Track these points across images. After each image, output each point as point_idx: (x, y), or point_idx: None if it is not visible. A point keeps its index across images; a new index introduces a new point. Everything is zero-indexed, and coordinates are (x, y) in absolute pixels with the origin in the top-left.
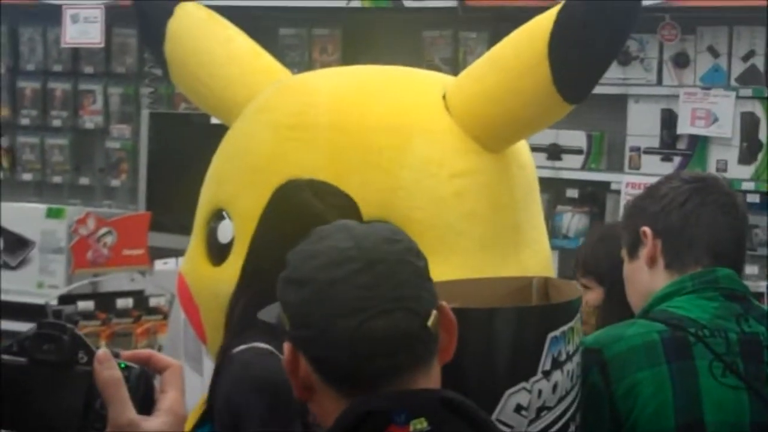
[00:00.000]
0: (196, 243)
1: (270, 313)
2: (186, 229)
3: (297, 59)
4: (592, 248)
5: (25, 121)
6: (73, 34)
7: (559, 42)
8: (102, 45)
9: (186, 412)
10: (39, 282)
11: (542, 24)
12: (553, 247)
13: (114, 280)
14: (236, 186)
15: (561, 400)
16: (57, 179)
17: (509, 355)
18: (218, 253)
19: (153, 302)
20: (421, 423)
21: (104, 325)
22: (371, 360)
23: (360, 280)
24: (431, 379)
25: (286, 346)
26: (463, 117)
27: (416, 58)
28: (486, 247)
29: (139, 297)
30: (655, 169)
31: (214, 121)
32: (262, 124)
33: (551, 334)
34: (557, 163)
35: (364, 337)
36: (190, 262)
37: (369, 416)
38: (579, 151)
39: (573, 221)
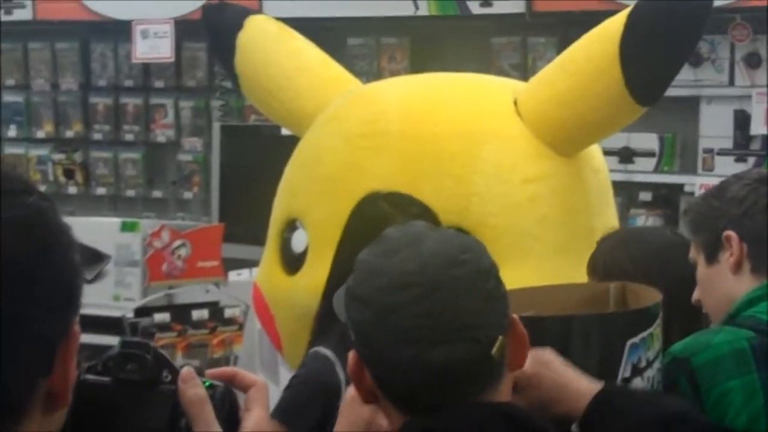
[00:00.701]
0: (270, 253)
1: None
2: (259, 240)
3: (365, 68)
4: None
5: (97, 136)
6: (144, 50)
7: (630, 44)
8: (172, 59)
9: (271, 430)
10: (115, 295)
11: (613, 27)
12: None
13: (189, 292)
14: (309, 196)
15: None
16: (130, 193)
17: (587, 364)
18: (293, 262)
19: (228, 313)
20: None
21: (180, 337)
22: (428, 390)
23: (421, 307)
24: (499, 396)
25: (352, 355)
26: (535, 122)
27: (485, 64)
28: (560, 252)
29: (214, 308)
30: (729, 170)
31: (284, 132)
32: (333, 134)
33: (630, 341)
34: (629, 167)
35: (422, 367)
36: (264, 272)
37: None
38: (651, 154)
39: (647, 224)
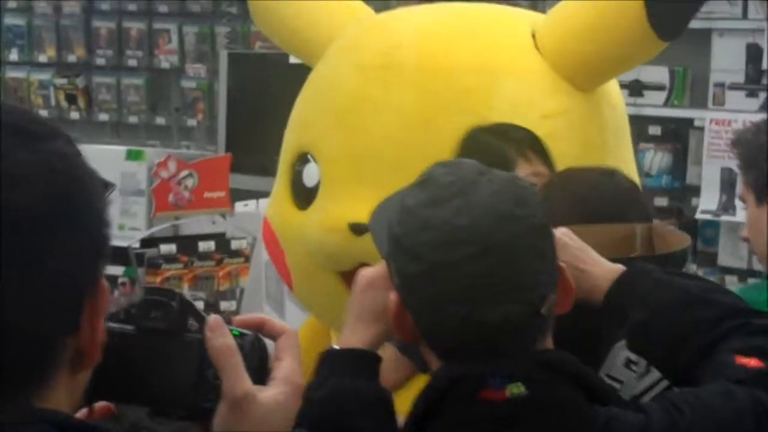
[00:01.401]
0: (280, 187)
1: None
2: (265, 170)
3: None
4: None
5: (100, 61)
6: None
7: None
8: None
9: (303, 381)
10: (120, 224)
11: None
12: None
13: (195, 223)
14: (321, 128)
15: None
16: (133, 119)
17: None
18: (304, 196)
19: (234, 245)
20: (518, 387)
21: (186, 269)
22: (476, 347)
23: (473, 267)
24: (543, 345)
25: (393, 298)
26: (554, 56)
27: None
28: None
29: (221, 240)
30: (740, 105)
31: (293, 60)
32: (346, 65)
33: None
34: (639, 100)
35: (473, 325)
36: (275, 206)
37: (462, 379)
38: (661, 88)
39: (655, 159)
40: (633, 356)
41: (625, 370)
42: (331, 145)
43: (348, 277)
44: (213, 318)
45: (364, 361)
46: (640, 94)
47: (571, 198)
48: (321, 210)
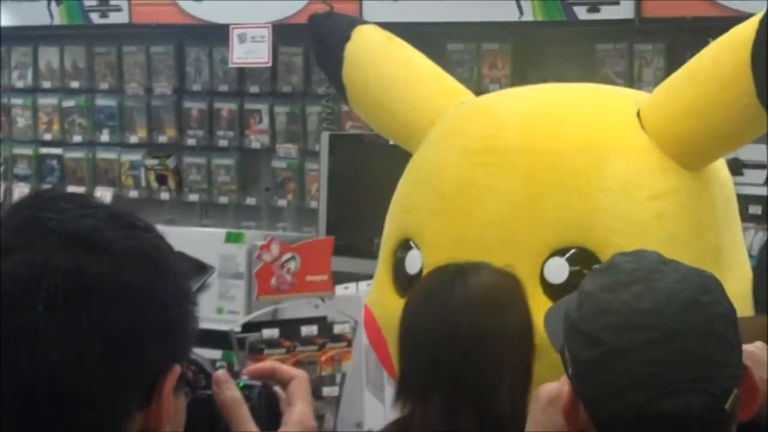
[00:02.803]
0: (382, 273)
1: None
2: (364, 253)
3: (465, 75)
4: None
5: (191, 142)
6: (240, 54)
7: (762, 51)
8: (269, 64)
9: (315, 424)
10: (219, 308)
11: (744, 32)
12: None
13: (295, 307)
14: (424, 214)
15: None
16: (223, 199)
17: None
18: (406, 283)
19: (337, 329)
20: None
21: (289, 353)
22: None
23: (655, 353)
24: None
25: (567, 390)
26: (661, 134)
27: (589, 71)
28: None
29: (323, 324)
30: None
31: (392, 141)
32: (449, 149)
33: None
34: (738, 179)
35: (651, 416)
36: (377, 293)
37: None
38: (762, 166)
39: (756, 239)
40: None
41: None
42: (434, 230)
43: None
44: (219, 373)
45: None
46: (740, 173)
47: None
48: None
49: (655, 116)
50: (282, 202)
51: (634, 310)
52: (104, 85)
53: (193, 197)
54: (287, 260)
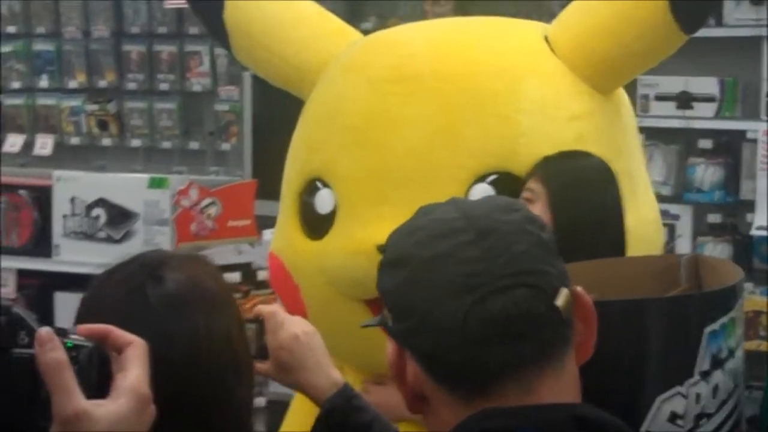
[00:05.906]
0: (287, 218)
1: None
2: None
3: (408, 11)
4: None
5: (132, 86)
6: None
7: None
8: None
9: (149, 392)
10: None
11: None
12: (686, 202)
13: (220, 253)
14: (333, 150)
15: (723, 404)
16: (166, 144)
17: (660, 356)
18: (318, 225)
19: (261, 275)
20: None
21: None
22: (487, 347)
23: (469, 253)
24: (565, 380)
25: (391, 347)
26: (573, 55)
27: (535, 7)
28: None
29: (247, 270)
30: None
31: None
32: (352, 84)
33: (708, 328)
34: (688, 113)
35: (478, 319)
36: (282, 239)
37: None
38: (711, 99)
39: (707, 173)
40: (679, 409)
41: (670, 425)
42: (347, 165)
43: (375, 304)
44: (43, 330)
45: None
46: (689, 107)
47: None
48: (343, 235)
49: (564, 37)
50: (225, 146)
51: (441, 221)
52: (41, 29)
53: (136, 143)
54: (207, 205)
